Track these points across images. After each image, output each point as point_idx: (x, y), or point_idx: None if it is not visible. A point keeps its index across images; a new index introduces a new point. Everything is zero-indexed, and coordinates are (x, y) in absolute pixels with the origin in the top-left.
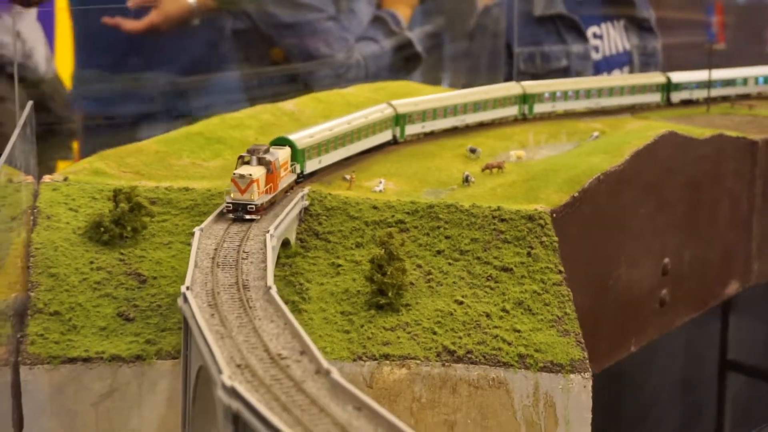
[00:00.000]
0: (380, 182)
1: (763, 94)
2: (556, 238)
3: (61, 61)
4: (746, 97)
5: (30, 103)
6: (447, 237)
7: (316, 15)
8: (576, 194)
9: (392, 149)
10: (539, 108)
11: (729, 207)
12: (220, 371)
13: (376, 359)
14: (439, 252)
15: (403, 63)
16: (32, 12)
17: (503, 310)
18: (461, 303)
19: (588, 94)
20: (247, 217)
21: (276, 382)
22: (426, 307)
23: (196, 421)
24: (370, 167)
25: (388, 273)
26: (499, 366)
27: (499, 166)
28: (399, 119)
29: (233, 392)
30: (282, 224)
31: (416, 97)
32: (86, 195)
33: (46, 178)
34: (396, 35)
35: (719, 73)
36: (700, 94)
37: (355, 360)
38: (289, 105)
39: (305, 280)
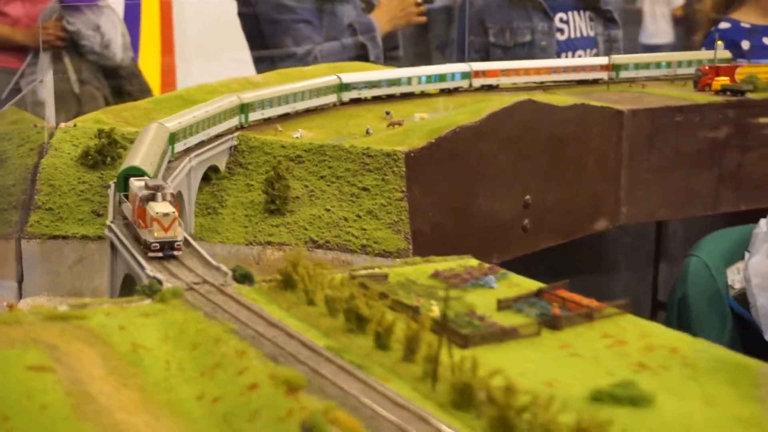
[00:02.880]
0: (299, 131)
1: (426, 92)
2: (404, 169)
3: (146, 50)
4: (410, 95)
5: (50, 72)
6: (329, 167)
7: (291, 16)
8: (433, 140)
9: (328, 110)
10: (253, 116)
11: (596, 161)
12: (107, 219)
13: (262, 245)
14: (322, 177)
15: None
16: (111, 7)
17: (357, 216)
18: (329, 210)
19: (287, 99)
20: (175, 254)
21: None
22: (304, 213)
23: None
24: (302, 122)
25: (276, 188)
26: (347, 252)
27: (399, 123)
28: (172, 138)
29: (110, 228)
30: (204, 154)
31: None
32: (86, 136)
33: (62, 124)
34: (357, 38)
35: (386, 73)
36: (369, 93)
37: (247, 245)
38: (257, 78)
39: (226, 194)
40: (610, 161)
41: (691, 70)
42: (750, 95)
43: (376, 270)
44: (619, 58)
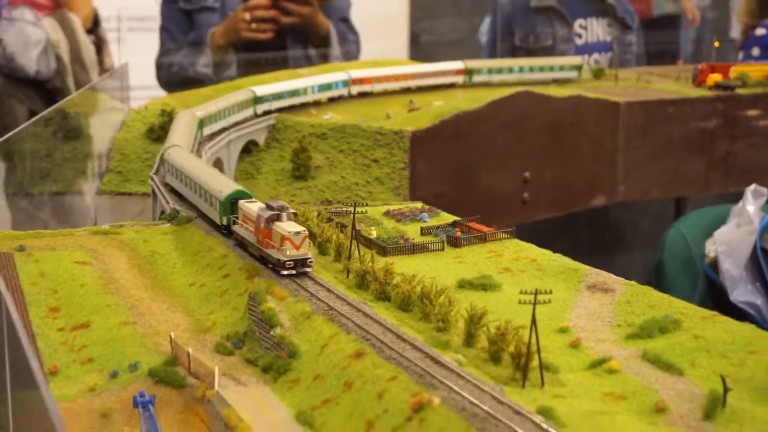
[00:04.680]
0: (329, 114)
1: (319, 101)
2: (408, 145)
3: None
4: (307, 105)
5: (125, 62)
6: (348, 142)
7: (157, 24)
8: (437, 123)
9: (357, 98)
10: (206, 131)
11: (592, 146)
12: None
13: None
14: (341, 151)
15: None
16: (16, 21)
17: (366, 181)
18: (344, 177)
19: (223, 115)
20: (308, 270)
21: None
22: (323, 179)
23: None
24: (336, 107)
25: (300, 158)
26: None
27: (417, 109)
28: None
29: (152, 179)
30: (243, 130)
31: None
32: (154, 116)
33: (135, 107)
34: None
35: (287, 84)
36: (279, 104)
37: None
38: (303, 71)
39: (262, 163)
40: (607, 146)
41: (543, 75)
42: (739, 90)
43: (344, 208)
44: (472, 63)
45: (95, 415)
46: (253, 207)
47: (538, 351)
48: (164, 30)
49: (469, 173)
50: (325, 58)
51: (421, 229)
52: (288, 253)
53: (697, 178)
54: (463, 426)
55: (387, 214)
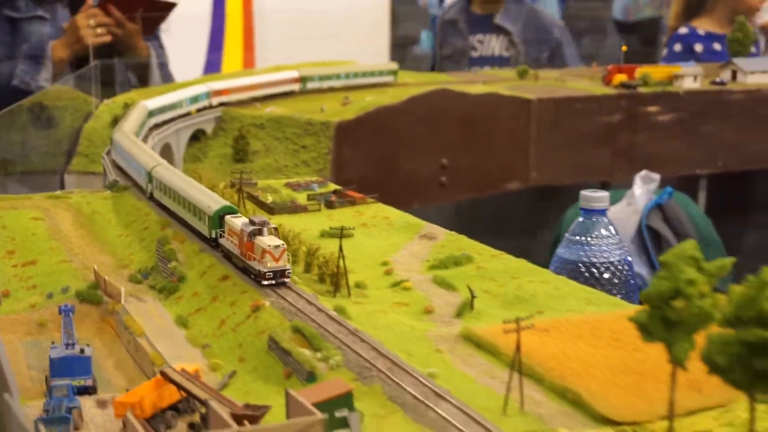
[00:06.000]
0: (270, 107)
1: (190, 113)
2: (333, 133)
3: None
4: (185, 116)
5: (96, 62)
6: (282, 131)
7: None
8: (362, 115)
9: (303, 93)
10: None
11: (506, 137)
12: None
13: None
14: (276, 138)
15: None
16: None
17: (295, 164)
18: (276, 160)
19: (142, 125)
20: (287, 281)
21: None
22: (259, 162)
23: None
24: (278, 102)
25: (240, 144)
26: None
27: (348, 103)
28: None
29: (103, 158)
30: (191, 120)
31: None
32: (119, 107)
33: (106, 100)
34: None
35: (168, 98)
36: (163, 117)
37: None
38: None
39: (209, 149)
40: (520, 138)
41: (365, 80)
42: (641, 89)
43: (252, 179)
44: (306, 71)
45: (34, 324)
46: (237, 222)
47: (345, 271)
48: None
49: (390, 159)
50: (144, 82)
51: (308, 195)
52: (268, 265)
53: (603, 166)
54: (280, 318)
55: (287, 185)
